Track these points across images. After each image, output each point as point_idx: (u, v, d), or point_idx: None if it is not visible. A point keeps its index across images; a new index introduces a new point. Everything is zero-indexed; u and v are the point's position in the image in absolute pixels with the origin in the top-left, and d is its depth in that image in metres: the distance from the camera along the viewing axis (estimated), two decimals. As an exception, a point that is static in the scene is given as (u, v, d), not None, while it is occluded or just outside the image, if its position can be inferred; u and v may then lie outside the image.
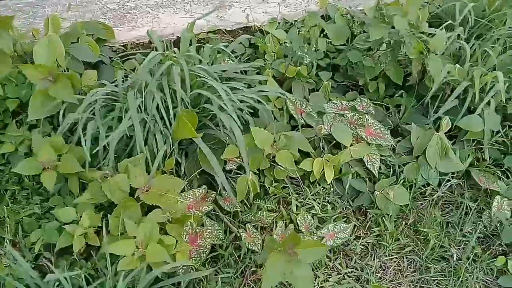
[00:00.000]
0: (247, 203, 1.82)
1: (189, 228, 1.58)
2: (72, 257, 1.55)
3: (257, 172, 1.84)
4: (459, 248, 1.76)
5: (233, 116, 1.67)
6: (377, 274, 1.69)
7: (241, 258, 1.67)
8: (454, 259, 1.72)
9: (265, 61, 2.16)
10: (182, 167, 1.81)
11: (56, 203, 1.76)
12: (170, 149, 1.77)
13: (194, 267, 1.55)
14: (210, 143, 1.87)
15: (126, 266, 1.31)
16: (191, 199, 1.69)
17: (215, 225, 1.72)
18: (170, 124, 1.77)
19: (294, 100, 2.02)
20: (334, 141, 1.93)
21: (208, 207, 1.68)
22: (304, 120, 1.98)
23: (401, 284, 1.67)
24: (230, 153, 1.76)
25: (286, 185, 1.88)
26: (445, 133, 1.95)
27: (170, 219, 1.55)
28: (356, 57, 2.16)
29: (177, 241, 1.47)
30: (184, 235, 1.56)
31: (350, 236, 1.72)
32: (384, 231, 1.77)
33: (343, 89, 2.39)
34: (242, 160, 1.77)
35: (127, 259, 1.33)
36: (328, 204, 1.84)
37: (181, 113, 1.75)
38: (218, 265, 1.67)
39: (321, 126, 1.92)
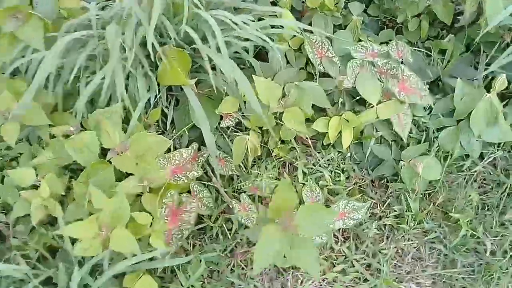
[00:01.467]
0: (245, 167, 1.55)
1: (171, 200, 1.34)
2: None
3: (260, 131, 1.54)
4: (495, 240, 1.50)
5: (226, 60, 1.33)
6: (392, 261, 1.46)
7: (231, 233, 1.45)
8: (488, 252, 1.47)
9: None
10: (169, 119, 1.52)
11: (21, 151, 1.52)
12: (155, 98, 1.47)
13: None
14: (206, 91, 1.56)
15: (84, 252, 1.10)
16: (177, 162, 1.42)
17: (204, 191, 1.49)
18: (157, 67, 1.46)
19: (313, 40, 1.64)
20: (358, 97, 1.58)
21: (197, 172, 1.42)
22: (323, 67, 1.62)
23: (418, 277, 1.44)
24: (227, 107, 1.46)
25: (293, 146, 1.59)
26: (497, 94, 1.58)
27: (148, 189, 1.30)
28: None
29: (153, 218, 1.23)
30: (164, 209, 1.32)
31: (365, 215, 1.46)
32: (406, 211, 1.50)
33: (376, 26, 1.99)
34: (242, 115, 1.47)
35: (85, 243, 1.11)
36: (341, 174, 1.56)
37: (169, 52, 1.42)
38: (204, 239, 1.45)
39: (343, 77, 1.57)
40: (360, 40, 1.82)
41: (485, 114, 1.57)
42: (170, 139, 1.44)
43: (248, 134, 1.47)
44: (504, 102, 1.64)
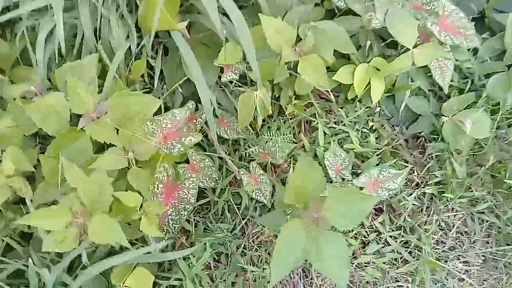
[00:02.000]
0: (253, 129, 1.29)
1: (164, 175, 1.09)
2: None
3: (270, 84, 1.27)
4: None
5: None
6: (434, 237, 1.22)
7: (241, 210, 1.21)
8: (551, 224, 1.23)
9: None
10: (157, 73, 1.24)
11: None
12: (138, 47, 1.19)
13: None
14: (201, 36, 1.27)
15: (56, 246, 0.86)
16: (169, 126, 1.16)
17: (206, 160, 1.23)
18: (137, 8, 1.17)
19: (331, -31, 1.33)
20: (390, 39, 1.29)
21: (196, 137, 1.16)
22: (345, 2, 1.32)
23: (465, 255, 1.21)
24: (227, 57, 1.18)
25: (311, 102, 1.32)
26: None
27: (134, 161, 1.04)
28: None
29: (143, 198, 0.98)
30: (156, 186, 1.07)
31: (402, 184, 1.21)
32: (450, 176, 1.25)
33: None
34: (247, 67, 1.20)
35: (58, 235, 0.87)
36: (370, 134, 1.29)
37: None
38: (209, 216, 1.22)
39: (371, 14, 1.27)
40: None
41: (545, 55, 1.29)
42: (159, 98, 1.18)
43: (256, 90, 1.20)
44: None
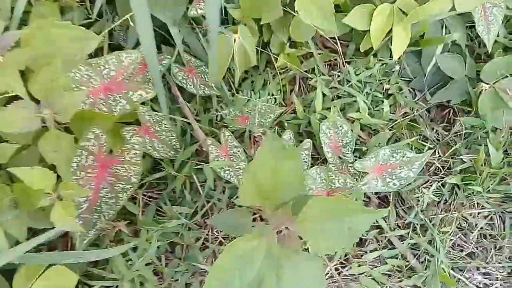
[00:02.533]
0: (231, 84, 0.99)
1: (94, 143, 0.79)
2: None
3: (256, 24, 0.94)
4: None
5: None
6: (451, 240, 0.96)
7: (204, 190, 0.93)
8: None
9: None
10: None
11: None
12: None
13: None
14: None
15: None
16: (112, 73, 0.85)
17: (164, 122, 0.93)
18: None
19: None
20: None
21: (148, 93, 0.85)
22: None
23: (487, 264, 0.96)
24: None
25: (310, 51, 1.00)
26: None
27: (55, 124, 0.75)
28: None
29: (58, 176, 0.70)
30: (84, 158, 0.78)
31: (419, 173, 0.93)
32: (481, 163, 0.97)
33: None
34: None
35: None
36: (384, 100, 0.99)
37: None
38: (163, 197, 0.94)
39: None
40: None
41: None
42: (101, 33, 0.86)
43: (236, 32, 0.87)
44: None
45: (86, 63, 0.85)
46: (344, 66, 1.01)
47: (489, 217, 1.00)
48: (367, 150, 0.98)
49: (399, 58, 1.02)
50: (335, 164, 0.93)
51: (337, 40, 1.00)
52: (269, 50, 1.00)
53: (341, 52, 1.00)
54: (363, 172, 0.91)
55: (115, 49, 0.97)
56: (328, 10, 0.84)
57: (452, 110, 1.06)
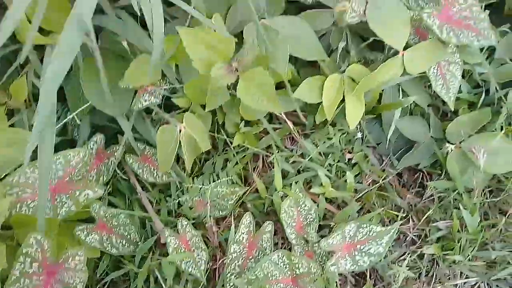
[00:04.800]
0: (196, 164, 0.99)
1: (36, 249, 0.78)
2: None
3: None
4: None
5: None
6: (435, 317, 0.91)
7: (167, 285, 0.90)
8: None
9: None
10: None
11: None
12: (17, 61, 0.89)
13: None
14: (114, 45, 0.98)
15: None
16: (60, 173, 0.86)
17: (121, 215, 0.92)
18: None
19: None
20: (373, 38, 0.98)
21: (95, 192, 0.85)
22: (310, -8, 1.01)
23: None
24: (137, 76, 0.86)
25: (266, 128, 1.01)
26: None
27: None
28: None
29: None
30: (27, 264, 0.77)
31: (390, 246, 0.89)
32: (457, 229, 0.93)
33: None
34: (170, 89, 0.89)
35: None
36: (348, 169, 0.98)
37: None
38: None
39: (344, 6, 0.95)
40: None
41: None
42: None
43: (182, 121, 0.88)
44: None
45: (32, 164, 0.86)
46: (301, 142, 1.01)
47: (476, 286, 0.95)
48: (335, 225, 0.95)
49: (359, 126, 1.02)
50: (300, 245, 0.90)
51: (299, 113, 1.00)
52: (225, 130, 1.01)
53: (292, 128, 0.99)
54: (329, 253, 0.88)
55: (73, 143, 0.99)
56: (270, 93, 0.85)
57: (422, 173, 1.04)
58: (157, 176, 0.99)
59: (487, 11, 1.02)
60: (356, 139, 1.04)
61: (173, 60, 0.89)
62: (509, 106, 1.01)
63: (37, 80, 0.93)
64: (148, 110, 0.98)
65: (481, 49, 1.05)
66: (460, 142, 0.99)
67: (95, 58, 0.73)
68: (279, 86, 1.01)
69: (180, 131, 0.87)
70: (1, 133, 0.81)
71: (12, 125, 0.97)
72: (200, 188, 0.95)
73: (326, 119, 1.01)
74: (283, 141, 1.04)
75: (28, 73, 0.94)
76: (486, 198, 1.00)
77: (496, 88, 1.05)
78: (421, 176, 1.04)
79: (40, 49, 0.96)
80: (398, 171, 1.04)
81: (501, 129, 1.00)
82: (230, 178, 0.98)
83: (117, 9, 0.94)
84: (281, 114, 0.97)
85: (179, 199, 0.96)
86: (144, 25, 0.88)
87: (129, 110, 0.92)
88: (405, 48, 0.95)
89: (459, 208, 0.95)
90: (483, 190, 1.01)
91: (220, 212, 0.97)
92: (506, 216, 0.94)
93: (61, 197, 0.85)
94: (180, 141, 0.87)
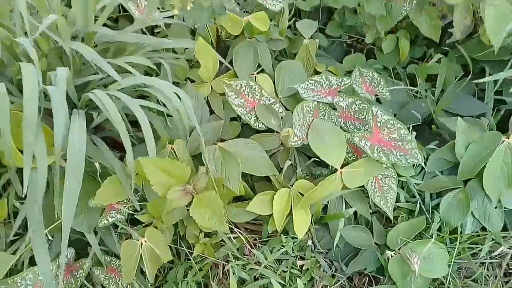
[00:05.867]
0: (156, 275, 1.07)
1: None
2: None
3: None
4: None
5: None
6: None
7: None
8: None
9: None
10: (20, 217, 1.04)
11: None
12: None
13: None
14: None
15: None
16: (29, 286, 0.94)
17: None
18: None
19: (237, 85, 1.20)
20: (315, 156, 1.13)
21: (61, 305, 0.93)
22: (258, 120, 1.17)
23: None
24: (108, 195, 0.99)
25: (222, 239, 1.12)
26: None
27: None
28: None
29: None
30: None
31: None
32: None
33: (340, 50, 1.56)
34: (130, 207, 1.01)
35: None
36: (300, 275, 1.07)
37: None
38: None
39: (289, 130, 1.11)
40: (317, 72, 1.39)
41: (505, 169, 1.11)
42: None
43: (144, 233, 0.99)
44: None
45: (2, 282, 0.94)
46: (251, 253, 1.11)
47: None
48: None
49: (309, 234, 1.13)
50: None
51: (255, 222, 1.12)
52: (186, 241, 1.12)
53: (247, 240, 1.10)
54: None
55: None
56: (219, 215, 0.97)
57: (368, 277, 1.14)
58: (122, 286, 1.08)
59: (414, 133, 1.20)
60: (308, 246, 1.14)
61: (139, 181, 1.02)
62: (441, 214, 1.14)
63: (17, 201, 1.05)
64: (115, 225, 1.09)
65: (414, 164, 1.20)
66: (399, 249, 1.10)
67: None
68: (238, 198, 1.15)
69: (141, 245, 0.97)
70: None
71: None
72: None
73: (275, 231, 1.13)
74: (241, 249, 1.14)
75: (9, 195, 1.06)
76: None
77: (430, 197, 1.20)
78: (368, 280, 1.13)
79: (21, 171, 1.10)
80: (348, 276, 1.14)
81: (436, 235, 1.12)
82: (190, 286, 1.07)
83: (91, 134, 1.10)
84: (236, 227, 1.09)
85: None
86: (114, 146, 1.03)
87: (97, 225, 1.03)
88: (343, 165, 1.11)
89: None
90: (427, 293, 1.11)
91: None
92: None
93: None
94: (142, 254, 0.97)
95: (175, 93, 0.97)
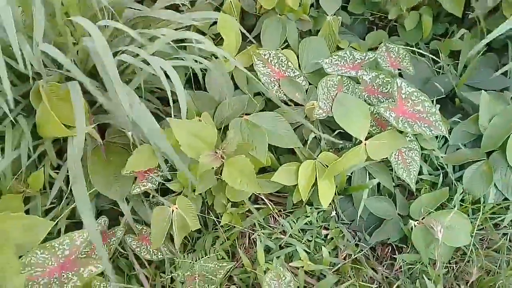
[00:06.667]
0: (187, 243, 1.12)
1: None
2: None
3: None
4: None
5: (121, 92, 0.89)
6: None
7: None
8: None
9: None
10: (56, 186, 1.09)
11: None
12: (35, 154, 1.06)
13: None
14: (118, 139, 1.15)
15: None
16: (67, 253, 0.98)
17: (119, 291, 1.03)
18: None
19: (265, 55, 1.22)
20: (338, 130, 1.15)
21: (97, 267, 0.97)
22: (285, 94, 1.20)
23: None
24: (138, 163, 1.02)
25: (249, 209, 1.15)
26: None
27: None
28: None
29: None
30: None
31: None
32: (424, 299, 1.04)
33: (362, 27, 1.58)
34: (161, 176, 1.05)
35: None
36: (325, 245, 1.10)
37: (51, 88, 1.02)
38: None
39: (313, 103, 1.14)
40: (340, 49, 1.40)
41: (528, 140, 1.12)
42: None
43: (174, 202, 1.03)
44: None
45: (41, 246, 0.99)
46: (282, 218, 1.15)
47: None
48: (311, 298, 1.06)
49: (334, 205, 1.16)
50: (279, 316, 1.01)
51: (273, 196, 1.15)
52: (214, 211, 1.16)
53: (273, 208, 1.14)
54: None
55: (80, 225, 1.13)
56: (251, 178, 1.00)
57: (392, 246, 1.16)
58: (153, 254, 1.12)
59: (438, 106, 1.22)
60: (332, 216, 1.17)
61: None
62: (464, 186, 1.16)
63: (52, 171, 1.10)
64: (146, 194, 1.13)
65: (437, 137, 1.22)
66: (422, 219, 1.12)
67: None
68: (263, 170, 1.18)
69: (172, 212, 1.01)
70: (18, 220, 0.95)
71: (27, 211, 1.12)
72: (190, 263, 1.07)
73: (300, 201, 1.16)
74: (267, 220, 1.18)
75: (45, 166, 1.11)
76: (453, 269, 1.12)
77: (453, 170, 1.21)
78: (391, 250, 1.16)
79: (55, 143, 1.15)
80: (371, 246, 1.16)
81: (459, 205, 1.14)
82: (219, 253, 1.11)
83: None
84: (261, 195, 1.12)
85: (172, 274, 1.08)
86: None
87: (129, 194, 1.07)
88: (367, 138, 1.13)
89: (424, 278, 1.06)
90: (449, 262, 1.13)
91: (209, 286, 1.08)
92: (467, 285, 1.05)
93: (67, 274, 0.98)
94: (172, 221, 1.01)
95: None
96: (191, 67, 1.12)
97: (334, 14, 1.39)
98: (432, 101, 1.20)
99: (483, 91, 1.22)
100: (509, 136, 1.12)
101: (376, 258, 1.17)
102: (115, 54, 1.05)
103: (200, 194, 1.11)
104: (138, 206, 1.13)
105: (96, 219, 1.12)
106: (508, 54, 1.38)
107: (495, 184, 1.15)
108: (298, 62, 1.31)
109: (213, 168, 1.04)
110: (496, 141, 1.15)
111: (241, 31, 1.21)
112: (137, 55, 0.96)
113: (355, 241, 1.16)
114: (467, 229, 1.10)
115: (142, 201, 1.13)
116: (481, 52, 1.40)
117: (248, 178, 1.01)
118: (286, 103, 1.21)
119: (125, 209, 1.08)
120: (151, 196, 1.11)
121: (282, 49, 1.32)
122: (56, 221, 1.02)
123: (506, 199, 1.16)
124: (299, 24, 1.39)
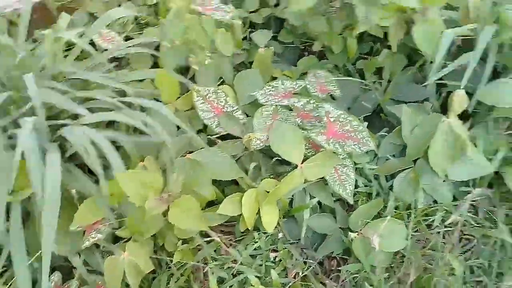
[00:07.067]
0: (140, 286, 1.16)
1: None
2: None
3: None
4: (499, 323, 1.12)
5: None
6: None
7: None
8: None
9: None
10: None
11: None
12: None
13: None
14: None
15: None
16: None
17: None
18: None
19: (205, 93, 1.30)
20: (275, 158, 1.23)
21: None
22: (223, 126, 1.27)
23: None
24: (85, 216, 1.07)
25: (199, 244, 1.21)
26: (458, 115, 1.25)
27: None
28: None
29: None
30: None
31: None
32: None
33: (294, 55, 1.67)
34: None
35: None
36: (274, 267, 1.17)
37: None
38: None
39: (249, 135, 1.21)
40: (274, 78, 1.49)
41: (447, 146, 1.23)
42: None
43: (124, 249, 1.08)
44: (468, 125, 1.30)
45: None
46: (230, 248, 1.21)
47: None
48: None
49: (278, 227, 1.23)
50: None
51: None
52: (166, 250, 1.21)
53: (219, 239, 1.19)
54: None
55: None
56: (197, 215, 1.07)
57: (336, 259, 1.24)
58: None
59: (366, 123, 1.32)
60: (279, 238, 1.24)
61: (115, 201, 1.11)
62: (395, 194, 1.26)
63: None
64: (97, 245, 1.17)
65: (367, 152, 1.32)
66: (360, 230, 1.21)
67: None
68: (211, 203, 1.24)
69: (123, 259, 1.06)
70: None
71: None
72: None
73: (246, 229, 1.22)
74: (218, 251, 1.23)
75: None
76: (395, 273, 1.20)
77: (385, 180, 1.31)
78: (337, 263, 1.24)
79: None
80: (319, 261, 1.24)
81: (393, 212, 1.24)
82: (174, 290, 1.16)
83: (66, 163, 1.18)
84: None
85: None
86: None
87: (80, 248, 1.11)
88: (304, 161, 1.21)
89: (367, 283, 1.14)
90: (390, 266, 1.22)
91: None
92: (406, 284, 1.14)
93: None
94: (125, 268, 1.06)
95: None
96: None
97: (266, 45, 1.49)
98: (361, 119, 1.30)
99: (404, 104, 1.33)
100: (428, 146, 1.23)
101: (324, 272, 1.24)
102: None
103: (151, 236, 1.16)
104: (90, 257, 1.17)
105: (50, 275, 1.15)
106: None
107: (423, 189, 1.26)
108: (235, 95, 1.39)
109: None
110: (419, 150, 1.25)
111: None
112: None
113: (303, 258, 1.23)
114: (402, 233, 1.19)
115: (93, 252, 1.17)
116: (403, 67, 1.52)
117: (194, 216, 1.07)
118: (226, 137, 1.28)
119: (77, 263, 1.11)
120: (102, 246, 1.15)
121: (219, 85, 1.40)
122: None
123: (436, 201, 1.27)
124: (234, 58, 1.48)
